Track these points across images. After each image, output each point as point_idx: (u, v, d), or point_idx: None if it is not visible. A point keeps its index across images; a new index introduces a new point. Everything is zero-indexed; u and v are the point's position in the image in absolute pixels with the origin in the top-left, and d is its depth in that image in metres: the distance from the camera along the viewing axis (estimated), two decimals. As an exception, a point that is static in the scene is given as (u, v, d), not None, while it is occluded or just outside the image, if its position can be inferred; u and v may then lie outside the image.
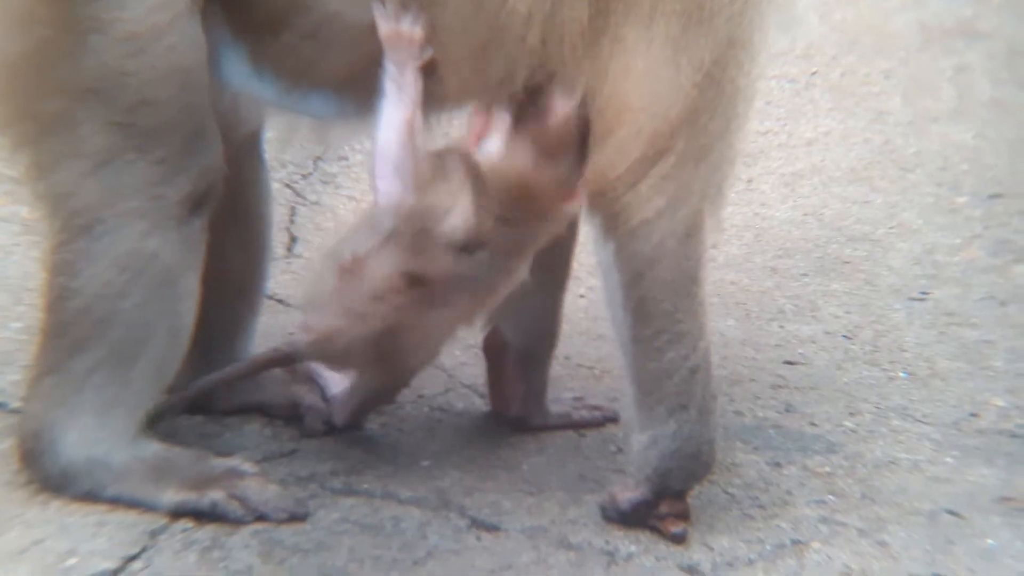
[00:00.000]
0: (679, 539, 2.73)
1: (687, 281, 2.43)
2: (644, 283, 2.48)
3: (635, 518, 2.73)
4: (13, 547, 2.58)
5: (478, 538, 2.80)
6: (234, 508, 2.67)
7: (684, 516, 2.76)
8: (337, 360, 2.79)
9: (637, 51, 2.29)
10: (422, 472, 2.96)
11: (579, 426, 3.16)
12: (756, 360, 3.44)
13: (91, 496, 2.64)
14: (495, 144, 2.62)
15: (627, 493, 2.72)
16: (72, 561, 2.56)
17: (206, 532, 2.67)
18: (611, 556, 2.79)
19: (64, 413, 2.57)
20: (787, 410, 3.24)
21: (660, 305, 2.47)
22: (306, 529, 2.73)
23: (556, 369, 3.33)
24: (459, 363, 3.21)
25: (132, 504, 2.66)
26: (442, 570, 2.70)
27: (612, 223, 2.47)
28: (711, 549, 2.81)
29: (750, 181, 4.23)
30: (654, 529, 2.75)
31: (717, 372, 3.29)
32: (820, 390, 3.32)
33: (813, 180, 4.28)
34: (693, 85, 2.31)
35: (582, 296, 3.67)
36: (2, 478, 2.70)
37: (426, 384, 3.23)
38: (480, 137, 2.63)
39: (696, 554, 2.80)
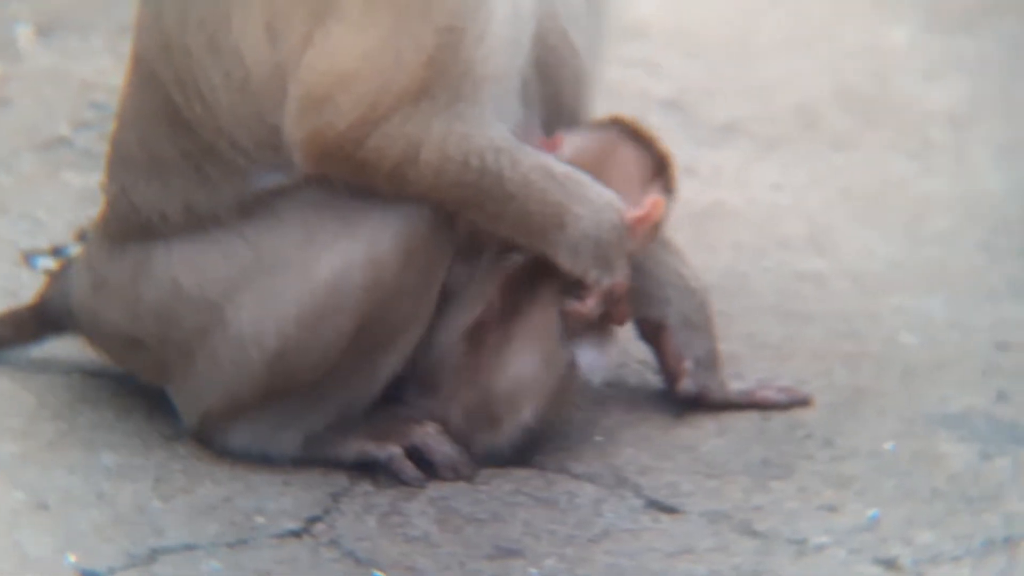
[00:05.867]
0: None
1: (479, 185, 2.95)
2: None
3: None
4: (204, 503, 2.91)
5: (656, 519, 3.00)
6: (408, 468, 3.00)
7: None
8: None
9: (354, 36, 2.87)
10: (595, 448, 3.17)
11: (764, 406, 3.33)
12: (964, 343, 3.57)
13: (278, 454, 3.00)
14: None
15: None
16: (260, 520, 2.89)
17: (385, 497, 2.98)
18: (800, 546, 2.97)
19: None
20: (999, 398, 3.37)
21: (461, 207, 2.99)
22: (480, 498, 3.00)
23: (737, 348, 3.51)
24: (631, 338, 3.40)
25: (317, 460, 2.99)
26: (619, 549, 2.90)
27: (361, 178, 2.92)
28: (911, 543, 2.96)
29: (960, 150, 4.36)
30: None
31: (921, 356, 3.50)
32: (1037, 376, 3.46)
33: (1034, 148, 4.39)
34: (418, 65, 2.87)
35: (767, 269, 3.85)
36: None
37: (597, 359, 3.47)
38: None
39: (895, 548, 2.96)
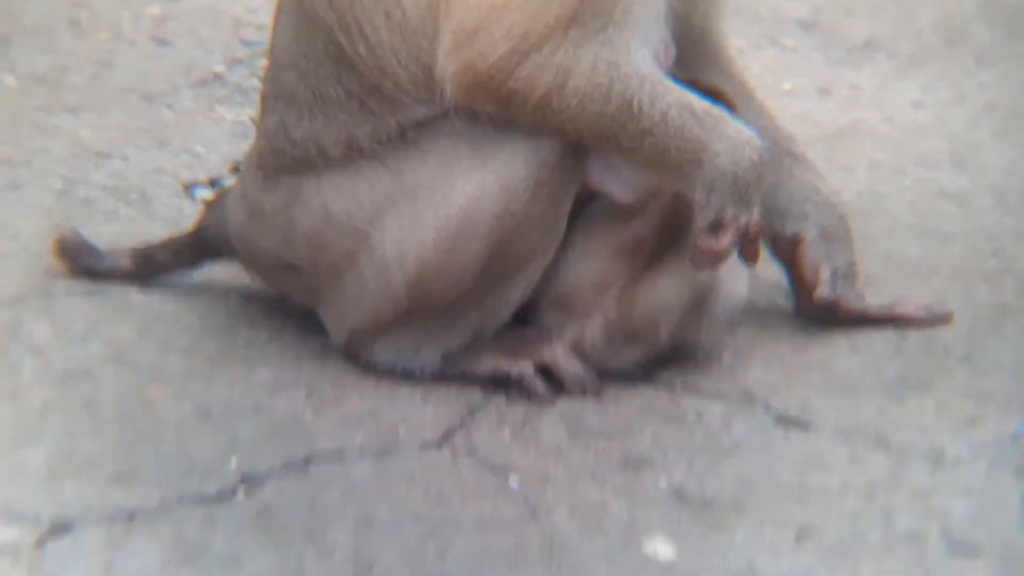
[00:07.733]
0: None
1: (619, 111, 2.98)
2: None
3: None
4: (352, 414, 3.04)
5: (786, 435, 2.99)
6: (538, 384, 3.08)
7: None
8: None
9: None
10: (723, 368, 3.16)
11: (902, 321, 3.29)
12: None
13: (418, 370, 3.12)
14: None
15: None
16: (403, 430, 3.00)
17: (518, 410, 3.06)
18: (937, 458, 2.93)
19: None
20: None
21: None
22: (609, 413, 3.04)
23: (875, 268, 3.46)
24: (761, 260, 3.38)
25: (454, 376, 3.11)
26: (748, 463, 2.91)
27: (509, 109, 2.97)
28: (1058, 458, 2.92)
29: None
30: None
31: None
32: None
33: None
34: None
35: (907, 188, 3.79)
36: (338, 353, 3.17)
37: (726, 281, 3.45)
38: None
39: (1040, 461, 2.91)
